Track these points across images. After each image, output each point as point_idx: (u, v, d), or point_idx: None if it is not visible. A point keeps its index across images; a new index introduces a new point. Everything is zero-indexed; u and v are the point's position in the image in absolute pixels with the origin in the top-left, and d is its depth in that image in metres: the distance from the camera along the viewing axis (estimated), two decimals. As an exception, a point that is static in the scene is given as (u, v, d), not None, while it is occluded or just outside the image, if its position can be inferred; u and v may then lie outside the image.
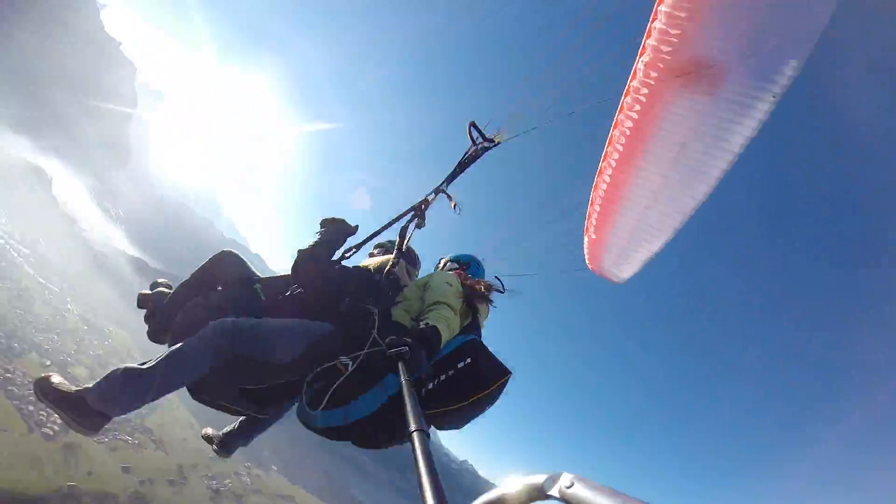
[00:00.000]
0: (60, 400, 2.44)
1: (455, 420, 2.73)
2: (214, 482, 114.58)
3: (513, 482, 0.96)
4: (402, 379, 1.85)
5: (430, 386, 2.72)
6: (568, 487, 0.85)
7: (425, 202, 3.86)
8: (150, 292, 3.40)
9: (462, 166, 4.22)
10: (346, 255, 3.55)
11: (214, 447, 3.79)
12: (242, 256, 3.42)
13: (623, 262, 4.58)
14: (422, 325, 2.69)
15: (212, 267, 3.27)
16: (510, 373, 2.81)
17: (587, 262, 4.80)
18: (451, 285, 3.22)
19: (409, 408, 1.51)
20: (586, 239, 4.69)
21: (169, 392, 2.60)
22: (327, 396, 2.49)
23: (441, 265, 4.05)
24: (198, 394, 2.87)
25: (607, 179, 4.21)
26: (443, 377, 2.73)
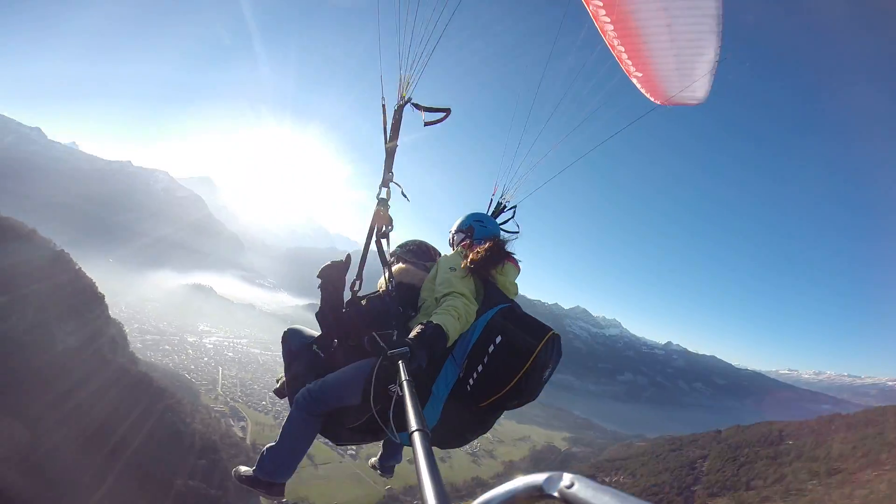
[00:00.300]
0: (251, 482, 3.36)
1: (523, 394, 2.74)
2: (468, 445, 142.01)
3: (513, 482, 0.95)
4: (403, 379, 1.87)
5: (471, 382, 2.77)
6: (568, 487, 0.84)
7: (382, 204, 3.69)
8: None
9: (392, 131, 3.83)
10: (356, 287, 3.60)
11: (379, 472, 4.42)
12: (298, 327, 3.87)
13: (687, 80, 4.30)
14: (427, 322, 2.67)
15: (284, 348, 3.81)
16: (550, 330, 2.78)
17: (651, 98, 4.57)
18: (454, 269, 3.16)
19: (408, 408, 1.54)
20: (635, 81, 4.55)
21: (305, 451, 3.33)
22: (392, 422, 2.65)
23: (450, 240, 3.99)
24: (334, 441, 3.49)
25: (607, 20, 4.09)
26: (480, 368, 2.75)
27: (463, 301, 2.87)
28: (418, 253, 3.88)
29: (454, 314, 2.73)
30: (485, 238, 3.52)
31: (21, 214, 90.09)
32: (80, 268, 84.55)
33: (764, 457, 62.09)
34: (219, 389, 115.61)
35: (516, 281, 3.51)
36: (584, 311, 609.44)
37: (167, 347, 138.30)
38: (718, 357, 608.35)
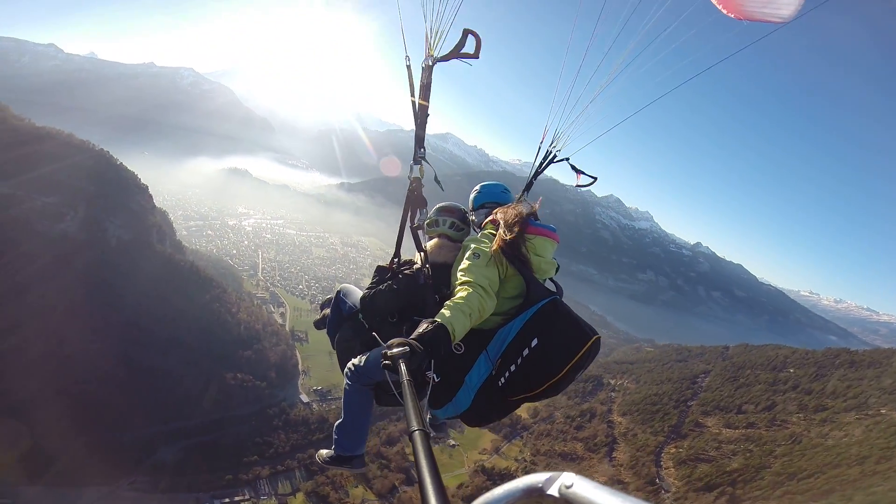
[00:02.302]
0: (335, 461, 3.66)
1: (552, 394, 2.79)
2: None
3: (513, 482, 0.96)
4: (403, 379, 1.89)
5: (503, 380, 2.81)
6: (568, 487, 0.85)
7: (415, 183, 3.50)
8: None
9: (422, 95, 3.42)
10: (393, 265, 3.67)
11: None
12: (350, 287, 4.03)
13: None
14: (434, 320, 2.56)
15: (334, 306, 4.07)
16: (591, 336, 2.70)
17: (725, 11, 3.75)
18: (477, 256, 3.01)
19: (408, 408, 1.55)
20: None
21: (368, 420, 3.61)
22: (428, 401, 2.78)
23: (472, 219, 3.79)
24: (376, 402, 3.58)
25: None
26: (513, 367, 2.77)
27: (478, 295, 2.78)
28: (460, 219, 3.75)
29: (465, 310, 2.67)
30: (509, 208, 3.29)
31: (56, 123, 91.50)
32: (120, 163, 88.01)
33: (763, 381, 64.92)
34: (259, 275, 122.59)
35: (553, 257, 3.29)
36: (617, 200, 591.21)
37: (210, 233, 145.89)
38: (745, 267, 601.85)
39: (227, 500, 54.37)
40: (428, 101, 3.44)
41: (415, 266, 3.60)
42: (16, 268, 63.67)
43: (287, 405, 70.38)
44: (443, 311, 2.64)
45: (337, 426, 3.65)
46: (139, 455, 56.47)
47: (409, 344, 2.27)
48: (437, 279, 3.35)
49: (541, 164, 3.93)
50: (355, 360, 3.44)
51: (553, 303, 2.88)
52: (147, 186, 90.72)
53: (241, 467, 57.95)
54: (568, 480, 0.86)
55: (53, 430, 53.68)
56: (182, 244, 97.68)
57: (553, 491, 0.87)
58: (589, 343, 2.68)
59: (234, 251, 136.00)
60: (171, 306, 73.52)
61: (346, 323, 3.88)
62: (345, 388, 3.53)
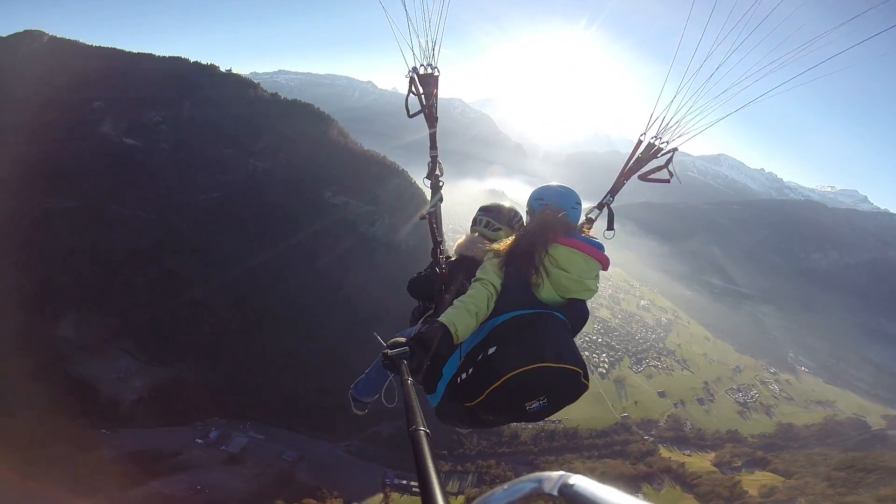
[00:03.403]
0: (350, 395, 4.20)
1: (501, 415, 2.63)
2: (740, 394, 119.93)
3: (514, 481, 0.95)
4: (403, 379, 1.88)
5: (458, 381, 2.68)
6: (568, 487, 0.84)
7: (435, 177, 3.68)
8: None
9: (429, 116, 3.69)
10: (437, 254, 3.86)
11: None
12: (421, 278, 4.11)
13: None
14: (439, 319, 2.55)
15: (410, 292, 4.22)
16: (545, 361, 2.42)
17: None
18: (496, 256, 2.99)
19: (408, 407, 1.54)
20: None
21: (381, 386, 3.95)
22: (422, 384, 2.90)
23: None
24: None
25: None
26: (470, 370, 2.61)
27: (486, 294, 2.72)
28: (494, 219, 3.87)
29: (472, 308, 2.61)
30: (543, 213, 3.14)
31: (374, 147, 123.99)
32: (414, 181, 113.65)
33: None
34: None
35: (585, 278, 2.88)
36: None
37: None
38: None
39: (405, 481, 60.28)
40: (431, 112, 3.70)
41: (452, 258, 3.87)
42: (340, 255, 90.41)
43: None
44: (449, 309, 2.63)
45: (364, 375, 4.24)
46: (365, 423, 65.14)
47: (409, 344, 2.31)
48: (466, 271, 3.45)
49: (640, 156, 3.60)
50: (398, 333, 3.62)
51: (533, 316, 2.71)
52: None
53: (428, 457, 64.63)
54: (568, 480, 0.86)
55: (313, 388, 69.02)
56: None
57: (554, 490, 0.86)
58: (536, 365, 2.42)
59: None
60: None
61: (415, 308, 4.36)
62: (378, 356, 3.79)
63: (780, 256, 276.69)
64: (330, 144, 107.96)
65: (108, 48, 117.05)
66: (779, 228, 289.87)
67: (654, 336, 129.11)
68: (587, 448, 77.03)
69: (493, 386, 2.42)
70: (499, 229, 3.80)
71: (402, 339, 2.34)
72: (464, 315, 2.58)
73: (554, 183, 3.41)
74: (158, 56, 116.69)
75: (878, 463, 66.83)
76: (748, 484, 68.11)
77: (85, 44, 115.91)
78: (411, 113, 3.70)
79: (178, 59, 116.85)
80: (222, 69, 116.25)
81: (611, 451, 77.01)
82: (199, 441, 61.98)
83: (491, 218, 3.86)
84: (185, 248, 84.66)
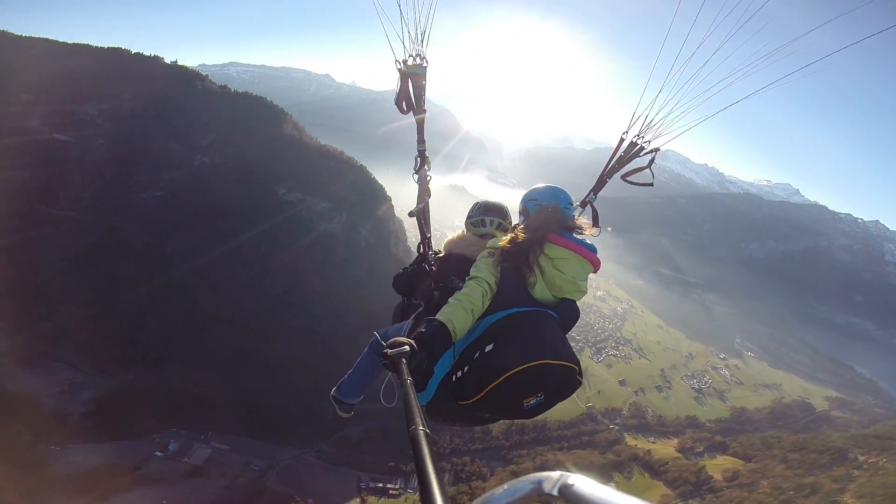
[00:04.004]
0: (333, 399, 4.05)
1: (499, 412, 2.69)
2: (695, 381, 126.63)
3: (514, 481, 0.95)
4: (402, 379, 1.89)
5: (454, 379, 2.68)
6: (568, 487, 0.84)
7: (423, 172, 3.88)
8: None
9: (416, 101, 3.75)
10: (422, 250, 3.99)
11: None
12: (404, 274, 4.13)
13: None
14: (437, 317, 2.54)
15: (393, 287, 4.24)
16: (543, 358, 2.46)
17: None
18: (491, 255, 2.97)
19: (408, 406, 1.54)
20: None
21: (369, 383, 3.89)
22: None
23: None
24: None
25: None
26: (466, 368, 2.62)
27: (481, 291, 2.73)
28: (503, 219, 3.87)
29: (468, 306, 2.62)
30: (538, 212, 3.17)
31: (331, 142, 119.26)
32: (374, 177, 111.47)
33: None
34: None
35: (576, 278, 2.92)
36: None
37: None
38: None
39: (381, 484, 60.10)
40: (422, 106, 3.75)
41: (440, 253, 3.90)
42: (296, 253, 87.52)
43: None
44: (446, 307, 2.63)
45: (348, 375, 4.01)
46: (333, 427, 64.52)
47: (409, 343, 2.27)
48: (457, 268, 3.44)
49: (622, 155, 3.68)
50: (379, 331, 3.61)
51: (529, 314, 2.75)
52: (391, 198, 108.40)
53: (403, 458, 61.72)
54: (568, 480, 0.86)
55: (274, 393, 68.12)
56: (411, 249, 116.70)
57: (553, 490, 0.86)
58: (537, 362, 2.44)
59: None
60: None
61: (398, 303, 4.40)
62: (363, 352, 3.87)
63: (723, 246, 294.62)
64: (284, 139, 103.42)
65: (38, 38, 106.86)
66: (721, 220, 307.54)
67: (611, 326, 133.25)
68: (557, 440, 78.35)
69: (494, 383, 2.45)
70: (507, 230, 3.71)
71: (402, 339, 2.26)
72: (461, 313, 2.59)
73: (541, 185, 3.44)
74: (96, 46, 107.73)
75: (828, 444, 71.80)
76: (712, 468, 71.11)
77: (12, 33, 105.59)
78: (403, 108, 3.72)
79: (118, 49, 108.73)
80: (167, 61, 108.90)
81: (580, 442, 78.72)
82: (159, 454, 58.80)
83: (501, 219, 3.83)
84: (126, 250, 79.65)
